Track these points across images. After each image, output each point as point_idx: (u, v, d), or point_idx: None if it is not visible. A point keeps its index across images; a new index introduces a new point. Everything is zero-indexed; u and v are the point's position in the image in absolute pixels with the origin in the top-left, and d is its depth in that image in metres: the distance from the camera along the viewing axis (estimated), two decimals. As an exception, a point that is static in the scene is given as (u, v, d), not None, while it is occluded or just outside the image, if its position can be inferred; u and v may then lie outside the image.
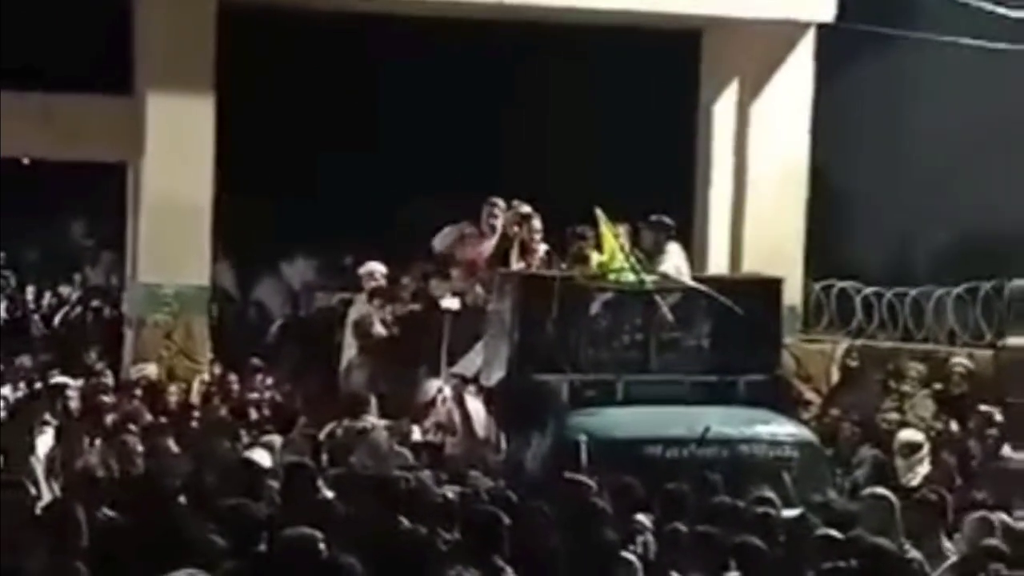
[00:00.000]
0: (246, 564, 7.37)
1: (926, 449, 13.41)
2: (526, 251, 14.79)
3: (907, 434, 13.76)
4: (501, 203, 15.05)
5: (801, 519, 9.86)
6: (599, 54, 20.02)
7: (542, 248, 14.77)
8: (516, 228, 14.84)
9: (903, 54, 19.70)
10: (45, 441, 12.98)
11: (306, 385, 17.53)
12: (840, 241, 20.58)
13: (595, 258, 13.39)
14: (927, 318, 18.90)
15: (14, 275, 23.78)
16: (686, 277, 13.45)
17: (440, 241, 15.20)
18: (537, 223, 14.82)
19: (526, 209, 14.91)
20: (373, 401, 13.79)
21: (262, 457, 11.76)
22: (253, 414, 15.94)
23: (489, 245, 14.97)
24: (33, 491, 10.83)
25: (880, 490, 10.51)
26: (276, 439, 13.33)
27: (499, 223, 14.99)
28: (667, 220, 13.89)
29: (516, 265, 14.52)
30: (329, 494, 10.05)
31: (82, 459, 12.05)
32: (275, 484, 10.49)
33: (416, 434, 13.75)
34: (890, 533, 9.47)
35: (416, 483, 10.34)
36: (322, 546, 7.43)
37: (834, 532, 9.12)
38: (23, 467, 11.43)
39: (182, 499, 9.72)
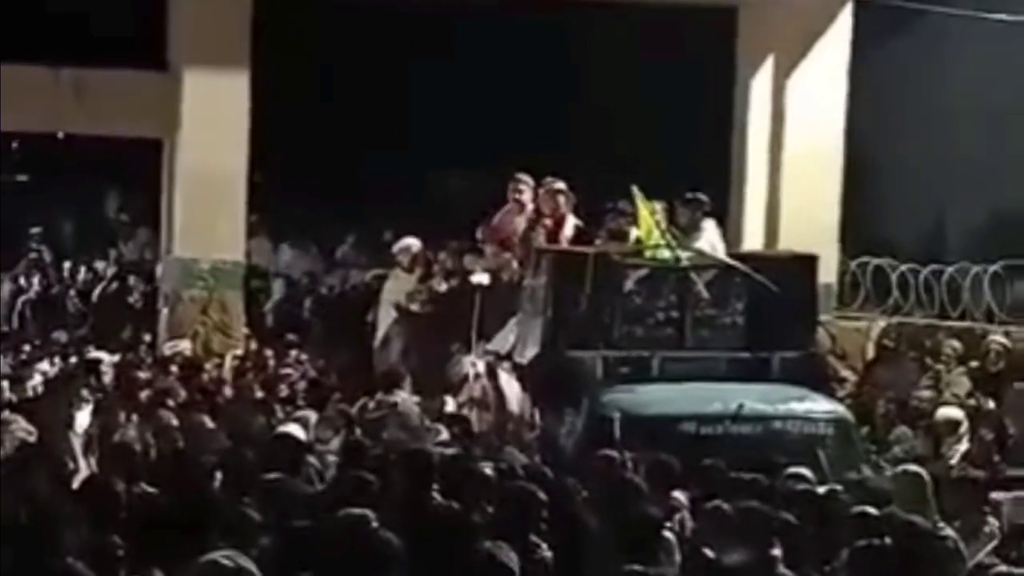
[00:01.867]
0: (287, 539, 7.36)
1: (965, 426, 13.37)
2: (557, 224, 14.75)
3: (947, 411, 13.72)
4: (527, 178, 15.03)
5: (832, 495, 9.83)
6: (636, 30, 19.96)
7: (571, 223, 14.73)
8: (548, 204, 14.81)
9: (939, 30, 19.59)
10: (83, 416, 13.04)
11: (340, 361, 17.59)
12: (876, 218, 20.50)
13: (634, 234, 13.38)
14: (963, 295, 18.83)
15: (50, 251, 23.84)
16: (721, 254, 13.42)
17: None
18: (565, 198, 14.76)
19: (559, 185, 14.88)
20: (408, 377, 13.81)
21: (296, 432, 11.79)
22: (285, 390, 15.98)
23: (521, 221, 14.95)
24: (71, 465, 10.90)
25: (913, 467, 10.49)
26: (311, 414, 13.37)
27: (526, 198, 14.96)
28: (703, 197, 13.87)
29: (543, 240, 14.50)
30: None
31: (119, 434, 12.09)
32: (312, 459, 10.51)
33: (450, 407, 13.78)
34: (924, 510, 9.45)
35: (450, 458, 10.36)
36: (374, 525, 7.43)
37: (869, 509, 9.09)
38: (60, 442, 11.47)
39: (219, 475, 9.75)
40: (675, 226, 13.41)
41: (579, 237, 14.49)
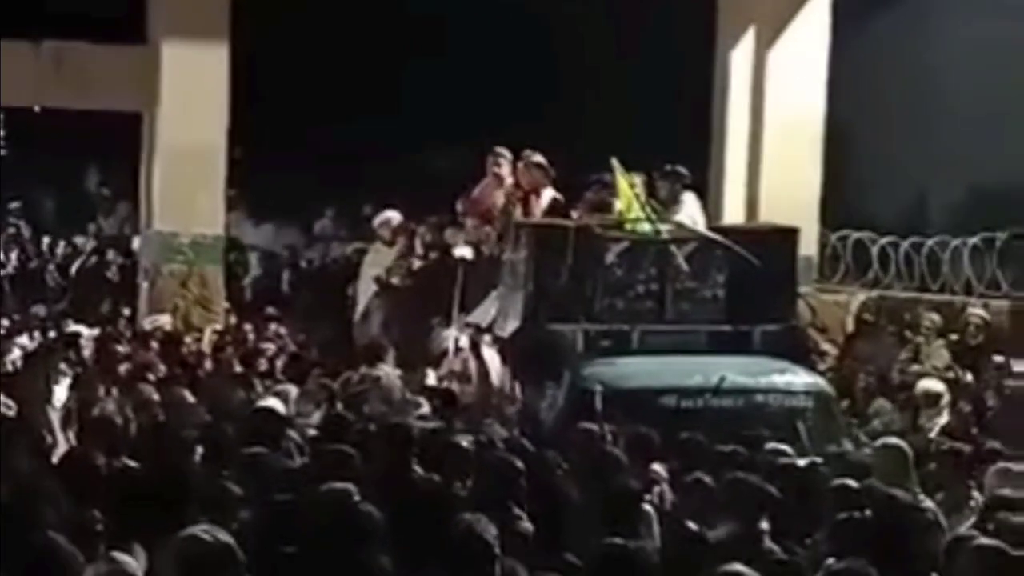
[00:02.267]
0: (269, 513, 7.35)
1: (946, 399, 13.40)
2: (533, 192, 14.72)
3: (927, 384, 13.75)
4: (505, 152, 15.01)
5: (812, 468, 9.85)
6: (616, 2, 19.93)
7: (548, 195, 14.70)
8: (526, 176, 14.78)
9: (921, 3, 19.60)
10: (61, 390, 13.01)
11: (321, 334, 17.57)
12: (856, 191, 20.52)
13: (616, 207, 13.37)
14: (943, 268, 18.86)
15: (29, 225, 23.78)
16: (701, 227, 13.42)
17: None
18: (542, 171, 14.73)
19: (536, 158, 14.85)
20: (391, 350, 13.80)
21: (276, 406, 11.77)
22: (265, 364, 15.97)
23: (500, 194, 14.93)
24: (49, 439, 10.87)
25: (893, 440, 10.51)
26: (291, 388, 13.36)
27: (504, 172, 14.94)
28: (682, 170, 13.86)
29: (519, 213, 14.48)
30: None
31: (99, 408, 12.06)
32: (292, 433, 10.50)
33: (431, 380, 13.77)
34: (904, 483, 9.47)
35: (430, 431, 10.35)
36: (356, 499, 7.42)
37: (849, 482, 9.10)
38: (38, 415, 11.45)
39: (199, 449, 9.73)
40: (655, 199, 13.40)
41: (555, 209, 14.45)
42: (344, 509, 7.29)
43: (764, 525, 8.30)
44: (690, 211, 13.60)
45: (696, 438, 10.29)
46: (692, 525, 7.92)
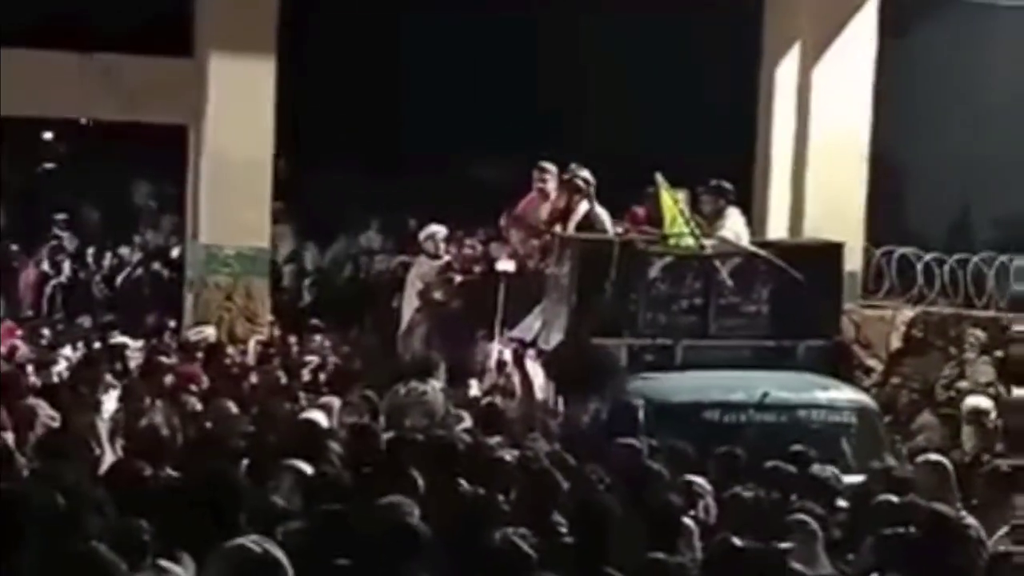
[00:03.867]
0: (314, 523, 7.39)
1: (993, 416, 13.35)
2: (571, 207, 14.69)
3: (975, 400, 13.70)
4: (551, 166, 15.01)
5: (860, 485, 9.84)
6: (663, 16, 19.94)
7: (582, 208, 14.65)
8: (567, 190, 14.77)
9: (966, 18, 19.55)
10: (110, 401, 13.09)
11: (365, 347, 17.62)
12: (901, 206, 20.47)
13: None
14: (988, 285, 18.79)
15: (75, 237, 23.91)
16: (745, 242, 13.42)
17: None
18: (582, 182, 14.66)
19: (583, 173, 14.84)
20: (439, 364, 13.82)
21: (318, 419, 11.83)
22: (308, 376, 16.02)
23: (545, 209, 14.94)
24: (96, 450, 10.94)
25: (935, 456, 10.49)
26: (335, 401, 13.40)
27: (549, 187, 14.94)
28: (726, 185, 13.86)
29: (557, 227, 14.49)
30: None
31: (146, 419, 12.13)
32: (335, 446, 10.53)
33: (474, 391, 13.79)
34: (947, 499, 9.45)
35: (474, 445, 10.37)
36: (415, 512, 7.46)
37: (892, 498, 9.09)
38: (84, 426, 11.51)
39: (245, 461, 9.78)
40: (699, 214, 13.41)
41: (587, 222, 14.37)
42: (396, 522, 7.32)
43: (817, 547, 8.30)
44: (734, 226, 13.59)
45: (735, 452, 10.29)
46: (737, 541, 7.90)
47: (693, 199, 13.67)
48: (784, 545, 8.15)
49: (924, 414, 13.98)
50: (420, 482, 8.86)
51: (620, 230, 13.97)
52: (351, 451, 10.18)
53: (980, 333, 16.64)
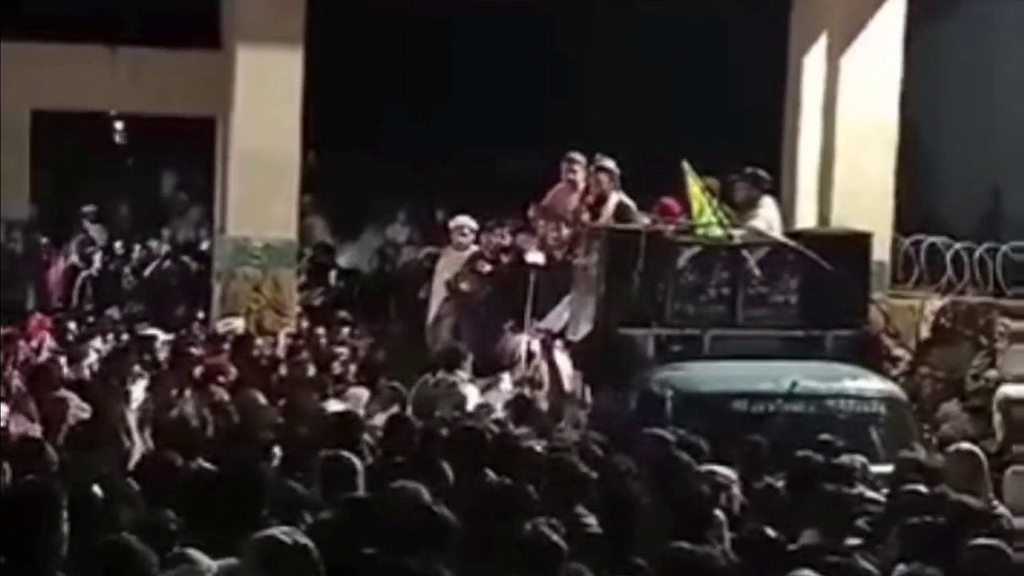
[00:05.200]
0: (342, 511, 7.40)
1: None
2: (600, 200, 14.73)
3: (1009, 389, 13.66)
4: (580, 157, 15.03)
5: (890, 475, 9.83)
6: (691, 8, 19.90)
7: (614, 200, 14.67)
8: (595, 181, 14.80)
9: (994, 6, 19.47)
10: (139, 392, 13.14)
11: (393, 338, 17.64)
12: (930, 195, 20.38)
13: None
14: (1019, 273, 18.72)
15: (104, 229, 23.98)
16: (777, 232, 13.39)
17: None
18: (608, 175, 14.70)
19: (608, 163, 14.87)
20: (467, 355, 13.84)
21: (339, 409, 11.88)
22: (338, 367, 16.05)
23: (573, 199, 14.96)
24: (127, 442, 10.98)
25: (967, 445, 10.46)
26: (363, 392, 13.42)
27: (578, 178, 14.97)
28: (762, 173, 13.85)
29: (588, 217, 14.50)
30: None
31: (175, 410, 12.18)
32: (366, 436, 10.55)
33: (506, 383, 13.81)
34: (979, 489, 9.43)
35: (502, 436, 10.38)
36: (427, 498, 7.47)
37: (922, 487, 9.07)
38: (114, 418, 11.56)
39: (277, 451, 9.81)
40: (731, 203, 13.41)
41: (620, 213, 14.41)
42: (416, 509, 7.33)
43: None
44: (767, 215, 13.57)
45: (765, 442, 10.27)
46: (769, 531, 7.89)
47: (723, 188, 13.65)
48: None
49: (946, 403, 13.94)
50: (449, 473, 8.88)
51: (648, 220, 13.97)
52: (386, 442, 10.20)
53: (1009, 322, 16.59)
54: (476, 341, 14.74)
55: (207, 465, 8.48)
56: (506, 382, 13.99)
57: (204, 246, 22.50)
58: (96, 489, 7.58)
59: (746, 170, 13.77)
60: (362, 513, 7.25)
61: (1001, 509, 9.35)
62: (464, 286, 15.56)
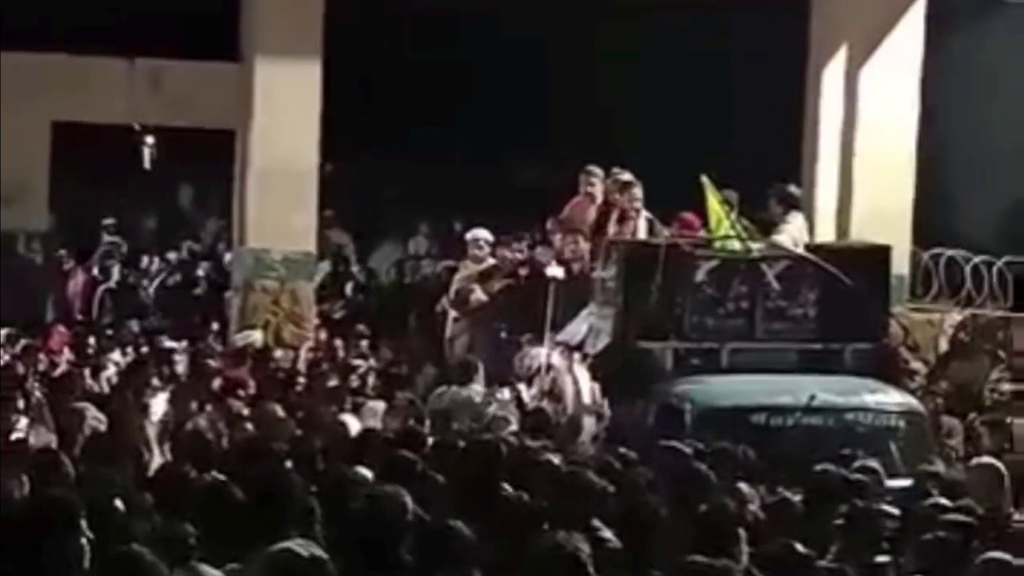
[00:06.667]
0: (342, 524, 7.40)
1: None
2: (623, 218, 14.75)
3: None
4: (598, 170, 15.04)
5: (911, 489, 9.80)
6: (710, 16, 19.87)
7: (644, 216, 14.72)
8: (617, 196, 14.82)
9: (1015, 17, 19.43)
10: (158, 404, 13.15)
11: (411, 351, 17.64)
12: (950, 209, 20.33)
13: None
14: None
15: (124, 241, 24.01)
16: (800, 247, 13.36)
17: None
18: (637, 191, 14.77)
19: (626, 176, 14.87)
20: (480, 368, 13.83)
21: (350, 423, 11.89)
22: (356, 380, 16.05)
23: (592, 212, 14.96)
24: (146, 454, 10.98)
25: (988, 459, 10.42)
26: (379, 405, 13.42)
27: (597, 191, 14.98)
28: (792, 189, 13.87)
29: (613, 232, 14.50)
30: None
31: (191, 423, 12.18)
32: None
33: (524, 396, 13.79)
34: (1000, 502, 9.39)
35: (519, 449, 10.36)
36: (408, 503, 7.41)
37: (942, 501, 9.04)
38: (132, 430, 11.57)
39: (289, 464, 9.79)
40: (753, 217, 13.41)
41: (651, 229, 14.48)
42: (406, 516, 7.30)
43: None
44: (793, 230, 13.56)
45: (785, 456, 10.25)
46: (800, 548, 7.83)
47: (741, 201, 13.64)
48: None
49: (946, 419, 13.92)
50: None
51: (668, 233, 13.98)
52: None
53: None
54: (490, 354, 14.72)
55: (221, 477, 8.47)
56: (524, 395, 13.97)
57: (223, 258, 22.51)
58: (117, 502, 7.59)
59: (777, 185, 13.78)
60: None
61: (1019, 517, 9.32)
62: (474, 298, 15.54)
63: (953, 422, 13.81)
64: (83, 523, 6.56)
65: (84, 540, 6.51)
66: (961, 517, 8.61)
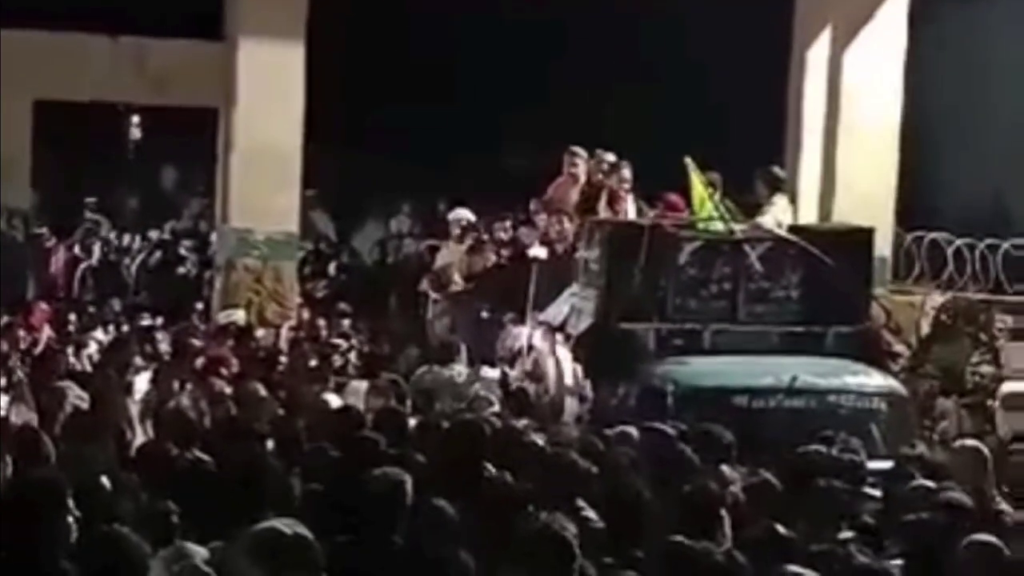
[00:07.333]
0: (330, 502, 7.41)
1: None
2: (614, 200, 14.76)
3: (1014, 386, 13.64)
4: (581, 151, 15.03)
5: (893, 471, 9.82)
6: (692, 3, 19.88)
7: (631, 198, 14.73)
8: (601, 176, 14.82)
9: (997, 2, 19.44)
10: (140, 383, 13.13)
11: (393, 331, 17.64)
12: (932, 191, 20.35)
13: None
14: (1020, 270, 18.69)
15: (106, 220, 23.96)
16: (783, 230, 13.37)
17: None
18: (626, 172, 14.78)
19: (611, 157, 14.87)
20: (463, 348, 13.83)
21: (332, 401, 11.88)
22: (338, 359, 16.03)
23: (575, 192, 14.95)
24: (128, 433, 10.97)
25: (971, 441, 10.44)
26: (361, 384, 13.41)
27: (580, 171, 14.97)
28: (777, 171, 13.87)
29: (604, 213, 14.51)
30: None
31: (174, 401, 12.16)
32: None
33: (507, 376, 13.79)
34: (983, 484, 9.41)
35: (502, 429, 10.36)
36: (408, 487, 7.44)
37: (928, 483, 9.06)
38: (115, 408, 11.55)
39: (270, 444, 9.79)
40: (738, 199, 13.42)
41: (640, 211, 14.48)
42: (404, 499, 7.31)
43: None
44: (777, 213, 13.55)
45: (767, 437, 10.26)
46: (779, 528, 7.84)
47: (725, 183, 13.65)
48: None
49: (941, 400, 13.93)
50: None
51: (652, 214, 13.98)
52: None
53: (1009, 319, 16.56)
54: (472, 334, 14.73)
55: (203, 456, 8.47)
56: (507, 375, 13.97)
57: (206, 237, 22.47)
58: (104, 480, 7.59)
59: (762, 167, 13.79)
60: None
61: (1004, 505, 9.33)
62: (457, 278, 15.54)
63: (947, 404, 13.84)
64: (70, 502, 6.55)
65: (71, 519, 6.51)
66: (954, 496, 8.61)
